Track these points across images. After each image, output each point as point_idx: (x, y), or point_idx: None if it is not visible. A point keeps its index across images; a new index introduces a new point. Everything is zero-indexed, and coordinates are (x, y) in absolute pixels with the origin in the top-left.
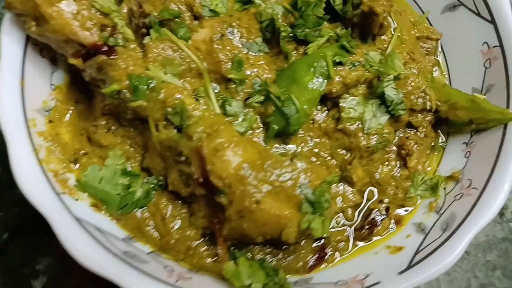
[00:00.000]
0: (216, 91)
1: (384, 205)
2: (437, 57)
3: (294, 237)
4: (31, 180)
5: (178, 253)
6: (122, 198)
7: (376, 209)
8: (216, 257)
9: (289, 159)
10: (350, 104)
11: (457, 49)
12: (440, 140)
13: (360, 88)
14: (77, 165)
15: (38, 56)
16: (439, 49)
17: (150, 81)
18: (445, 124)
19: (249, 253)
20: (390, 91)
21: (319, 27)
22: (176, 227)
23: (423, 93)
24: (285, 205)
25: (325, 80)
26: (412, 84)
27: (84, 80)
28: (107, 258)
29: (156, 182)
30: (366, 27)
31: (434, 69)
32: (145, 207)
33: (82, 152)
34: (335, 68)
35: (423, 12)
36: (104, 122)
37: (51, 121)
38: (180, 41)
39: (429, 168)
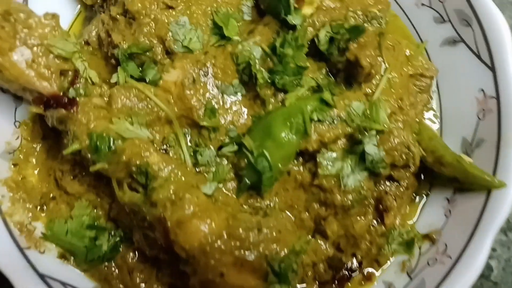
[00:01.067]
0: (188, 138)
1: (356, 260)
2: (431, 94)
3: None
4: (8, 252)
5: None
6: (89, 251)
7: (348, 263)
8: None
9: (260, 216)
10: (328, 159)
11: (452, 90)
12: (422, 191)
13: (340, 141)
14: (44, 211)
15: (0, 94)
16: (434, 86)
17: (112, 140)
18: (429, 173)
19: None
20: (370, 148)
21: (299, 75)
22: (142, 283)
23: (407, 150)
24: (251, 276)
25: (301, 136)
26: (396, 140)
27: None
28: None
29: (123, 235)
30: (350, 72)
31: (429, 106)
32: (111, 260)
33: (51, 195)
34: (313, 124)
35: (422, 42)
36: (70, 167)
37: (15, 164)
38: (148, 87)
39: (409, 221)
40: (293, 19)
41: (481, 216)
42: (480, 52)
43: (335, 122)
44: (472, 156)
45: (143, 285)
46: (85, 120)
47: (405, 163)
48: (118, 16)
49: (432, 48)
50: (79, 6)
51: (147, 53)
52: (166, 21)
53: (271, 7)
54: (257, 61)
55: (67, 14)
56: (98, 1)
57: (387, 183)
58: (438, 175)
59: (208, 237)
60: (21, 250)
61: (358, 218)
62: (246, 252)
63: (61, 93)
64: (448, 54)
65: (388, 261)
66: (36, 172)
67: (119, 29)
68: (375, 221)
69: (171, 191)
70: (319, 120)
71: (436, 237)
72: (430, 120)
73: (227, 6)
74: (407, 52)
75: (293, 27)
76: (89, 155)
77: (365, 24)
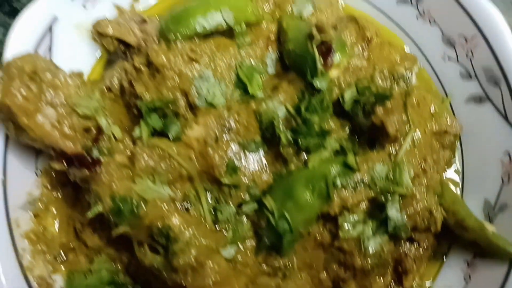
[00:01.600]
0: (208, 193)
1: None
2: (454, 152)
3: None
4: None
5: None
6: None
7: None
8: None
9: (279, 278)
10: (349, 221)
11: (476, 149)
12: (441, 250)
13: (362, 205)
14: (63, 263)
15: (18, 146)
16: (458, 143)
17: (135, 203)
18: (448, 234)
19: None
20: (393, 213)
21: (323, 137)
22: None
23: (429, 215)
24: None
25: (324, 201)
26: (419, 204)
27: None
28: None
29: None
30: (375, 134)
31: (451, 163)
32: None
33: (71, 246)
34: (336, 189)
35: (447, 96)
36: (91, 220)
37: (36, 215)
38: (170, 145)
39: (427, 282)
40: (319, 83)
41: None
42: (507, 113)
43: (358, 187)
44: (495, 220)
45: None
46: (108, 181)
47: (426, 227)
48: (141, 66)
49: (457, 103)
50: (101, 53)
51: (170, 106)
52: (190, 74)
53: (297, 65)
54: (280, 121)
55: (89, 58)
56: (121, 47)
57: (407, 244)
58: (457, 237)
59: None
60: None
61: (377, 278)
62: None
63: (85, 152)
64: (473, 112)
65: None
66: (56, 221)
67: (142, 80)
68: (393, 282)
69: (192, 257)
70: (342, 185)
71: None
72: (451, 180)
73: (251, 59)
74: (432, 108)
75: (319, 90)
76: (111, 218)
77: (392, 85)
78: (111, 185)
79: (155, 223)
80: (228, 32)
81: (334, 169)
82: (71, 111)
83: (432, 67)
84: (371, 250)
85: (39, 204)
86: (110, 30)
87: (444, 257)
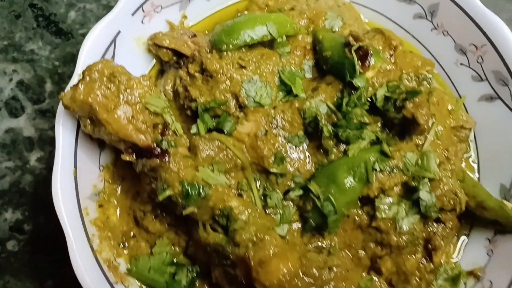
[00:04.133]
0: (258, 182)
1: None
2: (469, 144)
3: None
4: (89, 273)
5: None
6: (169, 286)
7: None
8: None
9: (325, 255)
10: (385, 203)
11: (489, 141)
12: (463, 231)
13: (396, 188)
14: (126, 248)
15: (89, 141)
16: (472, 137)
17: (202, 187)
18: (469, 216)
19: None
20: (424, 195)
21: (361, 130)
22: None
23: (455, 196)
24: None
25: (364, 184)
26: (446, 187)
27: None
28: None
29: (199, 271)
30: (405, 129)
31: (466, 155)
32: None
33: (131, 234)
34: (374, 174)
35: (460, 97)
36: (151, 208)
37: (101, 205)
38: (227, 138)
39: (452, 259)
40: (358, 82)
41: None
42: None
43: (394, 171)
44: (511, 201)
45: None
46: (176, 169)
47: (452, 207)
48: (196, 73)
49: (470, 103)
50: (154, 60)
51: (222, 107)
52: (240, 79)
53: (336, 70)
54: (323, 116)
55: (144, 67)
56: (174, 58)
57: (435, 224)
58: (478, 217)
59: (286, 275)
60: (110, 284)
61: (409, 256)
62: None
63: (155, 145)
64: (485, 109)
65: None
66: (117, 211)
67: (196, 84)
68: (424, 259)
69: (252, 233)
70: (380, 170)
71: (480, 274)
72: (469, 168)
73: (291, 66)
74: (450, 107)
75: (356, 88)
76: (180, 200)
77: (417, 85)
78: (179, 172)
79: (218, 205)
80: (269, 44)
81: (372, 156)
82: (143, 108)
83: (446, 73)
84: (405, 228)
85: (103, 195)
86: (166, 42)
87: (466, 237)
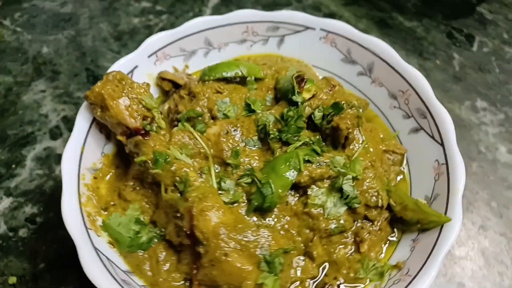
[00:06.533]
0: (217, 171)
1: (337, 281)
2: (402, 168)
3: None
4: (72, 216)
5: None
6: (131, 240)
7: (330, 284)
8: None
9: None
10: (316, 193)
11: (417, 164)
12: (395, 236)
13: (325, 182)
14: (106, 212)
15: (98, 132)
16: (405, 162)
17: (167, 157)
18: (400, 222)
19: None
20: (347, 187)
21: (298, 133)
22: (165, 269)
23: (377, 193)
24: (247, 261)
25: (296, 172)
26: (367, 184)
27: (125, 152)
28: (110, 281)
29: (158, 233)
30: (335, 138)
31: (399, 177)
32: (146, 250)
33: (112, 203)
34: (305, 165)
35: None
36: (132, 183)
37: (95, 177)
38: (197, 133)
39: (382, 255)
40: (296, 98)
41: (435, 244)
42: (433, 134)
43: (321, 164)
44: (431, 206)
45: (165, 271)
46: (153, 144)
47: (375, 204)
48: (184, 95)
49: (403, 136)
50: (158, 94)
51: (199, 118)
52: (215, 99)
53: (285, 95)
54: (271, 124)
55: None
56: (173, 89)
57: (364, 221)
58: (405, 222)
59: (221, 225)
60: (86, 228)
61: (340, 247)
62: (246, 239)
63: (141, 128)
64: (413, 139)
65: (363, 285)
66: (106, 186)
67: (183, 103)
68: (353, 251)
69: (200, 194)
70: (309, 162)
71: (402, 265)
72: (404, 185)
73: (256, 97)
74: (381, 135)
75: (296, 104)
76: (150, 164)
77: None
78: (154, 146)
79: (178, 172)
80: (242, 83)
81: (304, 151)
82: (138, 103)
83: (384, 115)
84: (331, 215)
85: (99, 172)
86: (168, 76)
87: (398, 242)
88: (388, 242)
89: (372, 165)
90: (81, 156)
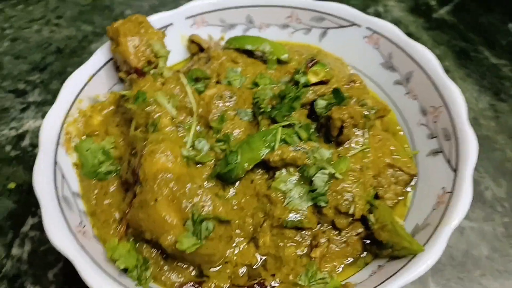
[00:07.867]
0: (200, 131)
1: (273, 280)
2: (407, 189)
3: (169, 246)
4: (48, 127)
5: (98, 221)
6: (92, 167)
7: (263, 279)
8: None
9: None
10: (284, 178)
11: (424, 189)
12: (364, 258)
13: (297, 173)
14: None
15: (113, 71)
16: (414, 184)
17: (147, 97)
18: (376, 244)
19: (140, 249)
20: (318, 181)
21: (289, 113)
22: (106, 202)
23: (351, 199)
24: (174, 214)
25: (269, 150)
26: (344, 186)
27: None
28: (50, 191)
29: (117, 169)
30: (328, 129)
31: (400, 198)
32: (101, 180)
33: (96, 132)
34: (280, 144)
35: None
36: (119, 119)
37: (93, 106)
38: (191, 89)
39: (338, 271)
40: (298, 77)
41: (395, 273)
42: (451, 159)
43: (298, 149)
44: (416, 236)
45: (105, 205)
46: (143, 84)
47: (346, 210)
48: (203, 58)
49: (421, 157)
50: (188, 55)
51: (206, 80)
52: (227, 66)
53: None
54: (267, 98)
55: (180, 56)
56: (198, 51)
57: (330, 227)
58: (382, 245)
59: (163, 172)
60: (58, 141)
61: (291, 244)
62: (182, 192)
63: (141, 68)
64: (430, 162)
65: None
66: (101, 120)
67: (199, 64)
68: (303, 254)
69: (160, 137)
70: (286, 142)
71: (351, 287)
72: (400, 210)
73: (270, 76)
74: (392, 147)
75: (298, 82)
76: (130, 100)
77: (355, 105)
78: (144, 87)
79: (152, 114)
80: (265, 62)
81: (286, 131)
82: (147, 47)
83: (409, 131)
84: (291, 206)
85: (99, 105)
86: (196, 39)
87: (364, 265)
88: (353, 261)
89: (361, 170)
90: (87, 82)
